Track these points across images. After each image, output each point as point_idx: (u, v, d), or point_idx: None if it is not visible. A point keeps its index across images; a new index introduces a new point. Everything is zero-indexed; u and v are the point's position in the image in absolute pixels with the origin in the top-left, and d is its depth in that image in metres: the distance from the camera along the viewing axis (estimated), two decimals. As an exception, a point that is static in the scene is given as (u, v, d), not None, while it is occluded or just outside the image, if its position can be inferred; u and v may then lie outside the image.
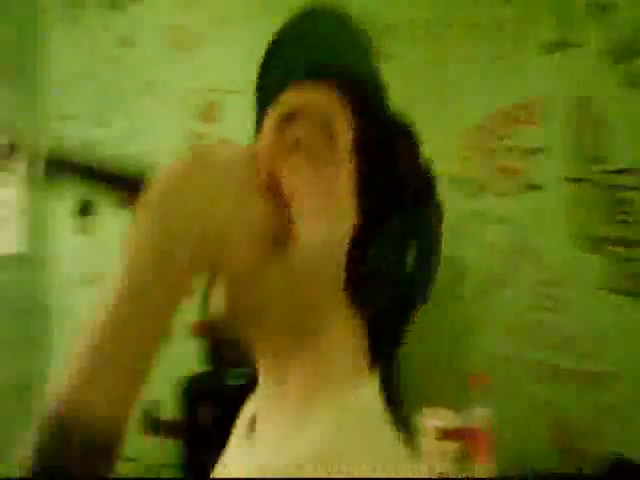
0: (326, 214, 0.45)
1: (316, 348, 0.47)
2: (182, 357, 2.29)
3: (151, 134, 2.47)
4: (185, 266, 0.43)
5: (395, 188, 0.49)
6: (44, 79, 2.67)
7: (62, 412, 0.38)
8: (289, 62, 0.51)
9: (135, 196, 0.45)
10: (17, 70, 2.57)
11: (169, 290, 0.42)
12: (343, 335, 0.48)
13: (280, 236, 0.46)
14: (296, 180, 0.46)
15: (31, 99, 2.63)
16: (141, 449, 2.45)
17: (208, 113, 2.37)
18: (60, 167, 0.55)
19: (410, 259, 0.49)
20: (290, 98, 0.48)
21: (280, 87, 0.49)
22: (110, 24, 2.55)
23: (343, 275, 0.46)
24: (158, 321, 0.43)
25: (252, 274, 0.46)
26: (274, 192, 0.46)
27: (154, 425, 2.39)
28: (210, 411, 1.78)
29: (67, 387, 0.39)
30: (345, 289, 0.47)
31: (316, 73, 0.49)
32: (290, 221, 0.46)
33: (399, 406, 0.50)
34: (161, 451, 2.40)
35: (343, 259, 0.46)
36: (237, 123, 2.34)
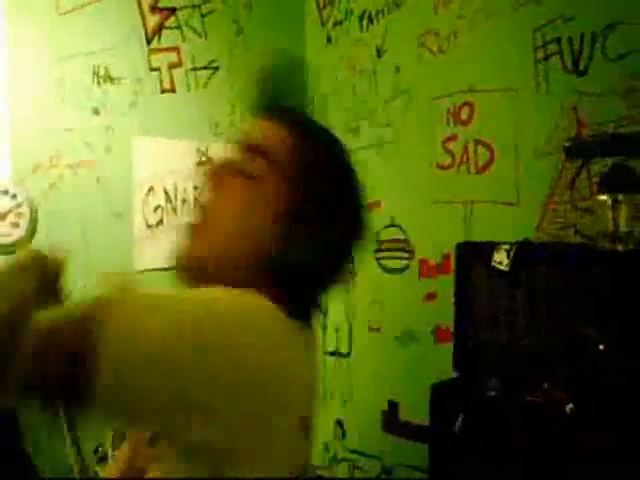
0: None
1: None
2: (430, 363, 2.30)
3: (399, 142, 2.53)
4: None
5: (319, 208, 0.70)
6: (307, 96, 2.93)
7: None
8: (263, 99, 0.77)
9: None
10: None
11: None
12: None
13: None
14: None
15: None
16: (382, 448, 2.52)
17: (460, 114, 2.33)
18: None
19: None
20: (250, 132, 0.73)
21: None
22: (364, 38, 2.68)
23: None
24: None
25: None
26: None
27: (395, 426, 2.43)
28: (459, 419, 1.74)
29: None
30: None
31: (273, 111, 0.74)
32: None
33: None
34: (402, 452, 2.43)
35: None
36: (490, 122, 2.27)
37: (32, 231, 1.95)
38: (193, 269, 0.69)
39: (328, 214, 0.70)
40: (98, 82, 2.16)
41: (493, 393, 1.77)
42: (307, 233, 0.68)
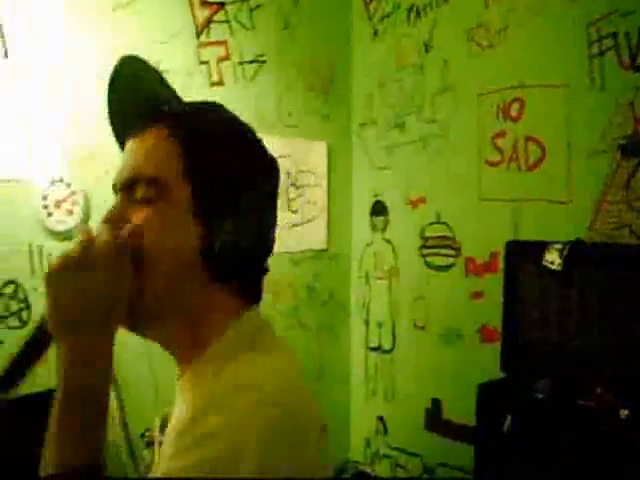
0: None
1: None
2: (475, 362, 2.27)
3: (446, 137, 2.50)
4: None
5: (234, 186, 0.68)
6: (352, 89, 2.92)
7: None
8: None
9: None
10: (331, 82, 2.86)
11: None
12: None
13: None
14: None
15: (342, 107, 2.90)
16: (424, 446, 2.50)
17: (510, 110, 2.29)
18: None
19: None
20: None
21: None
22: (412, 32, 2.65)
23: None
24: None
25: None
26: None
27: (439, 425, 2.40)
28: (507, 420, 1.71)
29: None
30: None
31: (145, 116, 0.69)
32: None
33: None
34: (444, 451, 2.40)
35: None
36: (541, 119, 2.22)
37: (86, 218, 1.99)
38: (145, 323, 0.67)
39: (241, 186, 0.68)
40: (149, 75, 2.19)
41: (542, 395, 1.73)
42: (230, 216, 0.66)
